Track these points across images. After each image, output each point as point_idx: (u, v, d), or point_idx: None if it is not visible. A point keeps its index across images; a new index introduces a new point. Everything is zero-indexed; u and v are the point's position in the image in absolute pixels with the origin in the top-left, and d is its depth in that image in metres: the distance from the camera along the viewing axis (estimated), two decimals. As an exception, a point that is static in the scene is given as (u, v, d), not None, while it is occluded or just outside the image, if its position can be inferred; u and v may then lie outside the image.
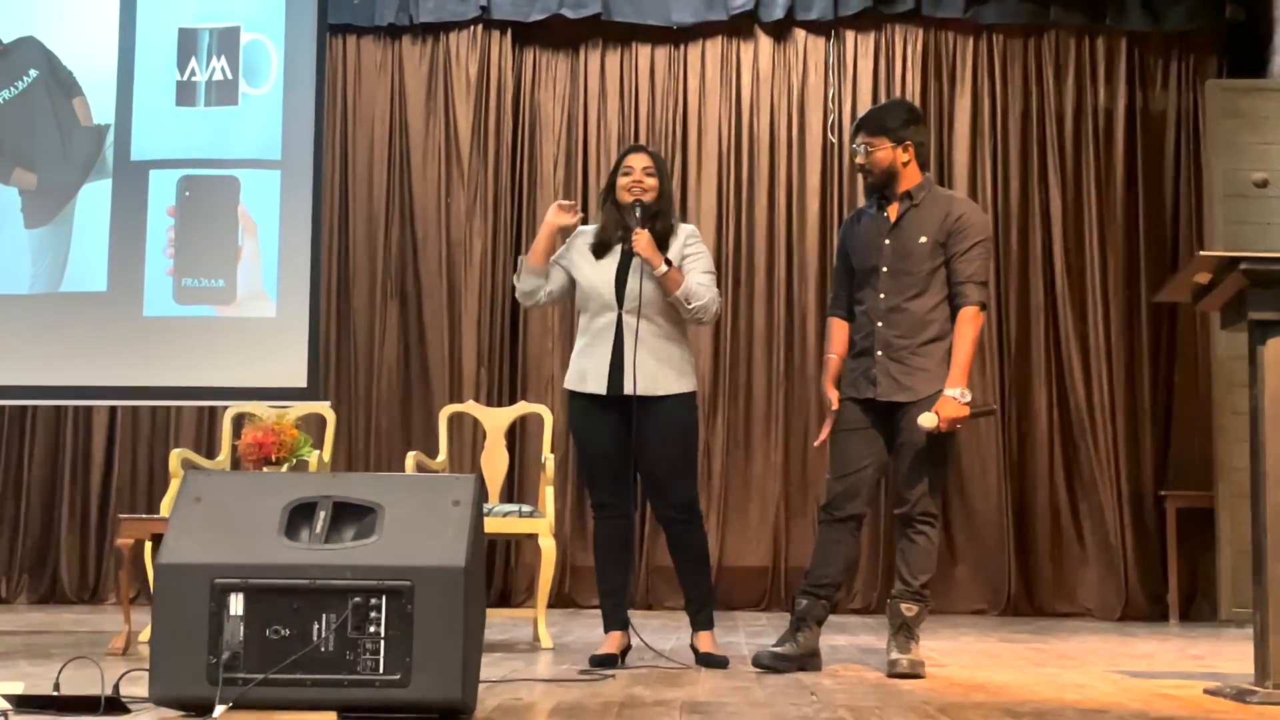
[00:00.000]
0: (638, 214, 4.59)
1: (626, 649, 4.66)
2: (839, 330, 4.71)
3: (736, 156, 8.00)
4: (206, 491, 3.35)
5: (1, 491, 7.96)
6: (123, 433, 7.89)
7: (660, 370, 4.56)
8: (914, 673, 4.34)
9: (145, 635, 5.34)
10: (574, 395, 4.68)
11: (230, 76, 6.95)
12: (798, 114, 8.01)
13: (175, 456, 5.78)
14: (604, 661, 4.53)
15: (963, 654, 5.25)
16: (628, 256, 4.61)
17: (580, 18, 7.97)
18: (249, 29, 6.99)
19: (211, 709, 3.03)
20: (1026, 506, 7.75)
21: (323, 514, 3.30)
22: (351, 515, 3.31)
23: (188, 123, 6.95)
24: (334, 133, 7.92)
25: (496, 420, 6.33)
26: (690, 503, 4.63)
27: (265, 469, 5.17)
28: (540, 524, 5.56)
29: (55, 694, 3.33)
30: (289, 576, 3.17)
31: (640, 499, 5.04)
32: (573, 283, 4.72)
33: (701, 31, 8.05)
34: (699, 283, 4.60)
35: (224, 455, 6.27)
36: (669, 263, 4.54)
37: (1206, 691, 3.97)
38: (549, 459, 5.81)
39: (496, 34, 8.07)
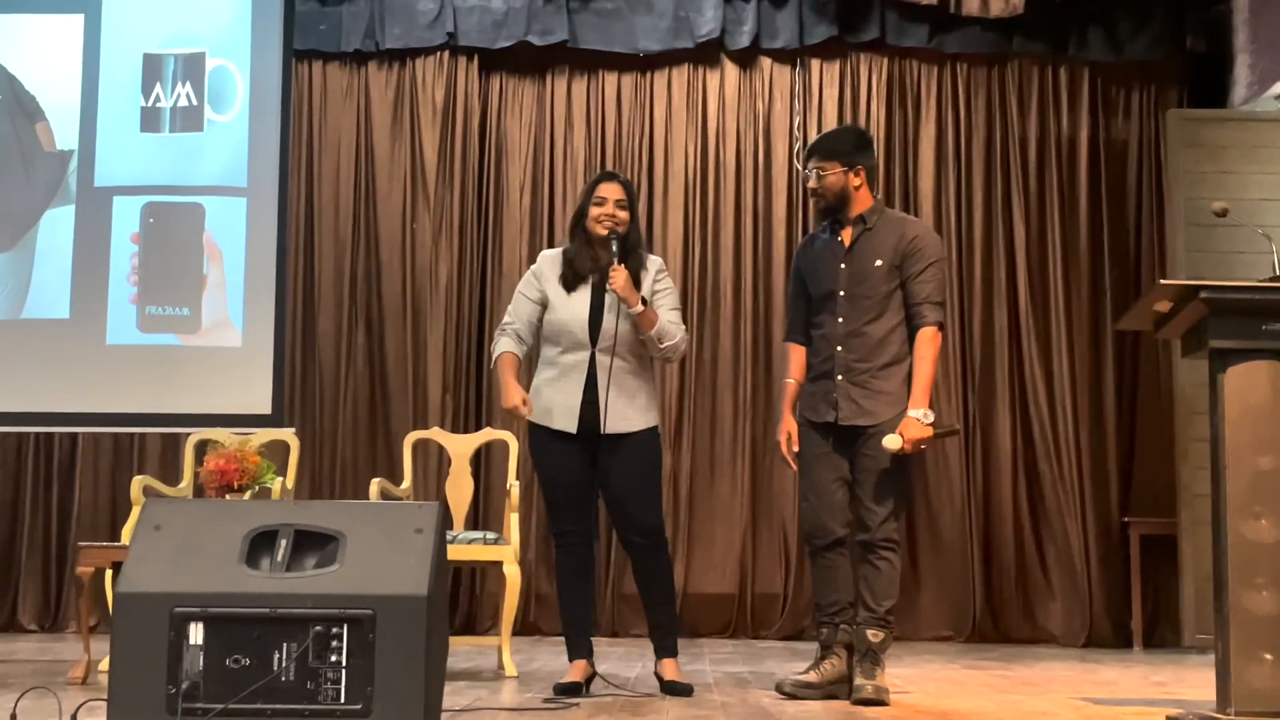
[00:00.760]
0: (614, 248, 4.55)
1: (591, 677, 4.64)
2: (796, 355, 4.76)
3: (703, 184, 8.02)
4: (166, 519, 3.33)
5: (-39, 519, 7.88)
6: (84, 460, 7.82)
7: (630, 407, 4.56)
8: (879, 699, 4.35)
9: (105, 664, 5.28)
10: (537, 427, 4.66)
11: (195, 103, 6.93)
12: (763, 141, 8.04)
13: (137, 484, 5.74)
14: (568, 690, 4.51)
15: (927, 681, 5.26)
16: (600, 292, 4.59)
17: (547, 45, 7.99)
18: (214, 55, 6.97)
19: (170, 739, 3.01)
20: (991, 533, 7.78)
21: (284, 542, 3.28)
22: (313, 543, 3.29)
23: (152, 149, 6.92)
24: (299, 159, 7.90)
25: (461, 447, 6.31)
26: (656, 528, 4.62)
27: (228, 496, 5.14)
28: (505, 551, 5.54)
29: (12, 725, 3.30)
30: (249, 605, 3.15)
31: (604, 526, 5.03)
32: (541, 318, 4.67)
33: (668, 59, 8.07)
34: (670, 320, 4.60)
35: (186, 482, 6.23)
36: (645, 301, 4.53)
37: (1169, 718, 3.98)
38: (514, 486, 5.80)
39: (463, 60, 8.07)
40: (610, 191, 4.64)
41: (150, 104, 6.92)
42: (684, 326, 4.68)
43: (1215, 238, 7.12)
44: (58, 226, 6.84)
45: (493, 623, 7.48)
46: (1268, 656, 3.79)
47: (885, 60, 8.07)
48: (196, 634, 3.13)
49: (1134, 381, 7.92)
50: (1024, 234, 7.93)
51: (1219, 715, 3.80)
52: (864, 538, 4.50)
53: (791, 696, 4.49)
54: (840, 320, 4.57)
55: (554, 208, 7.99)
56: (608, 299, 4.56)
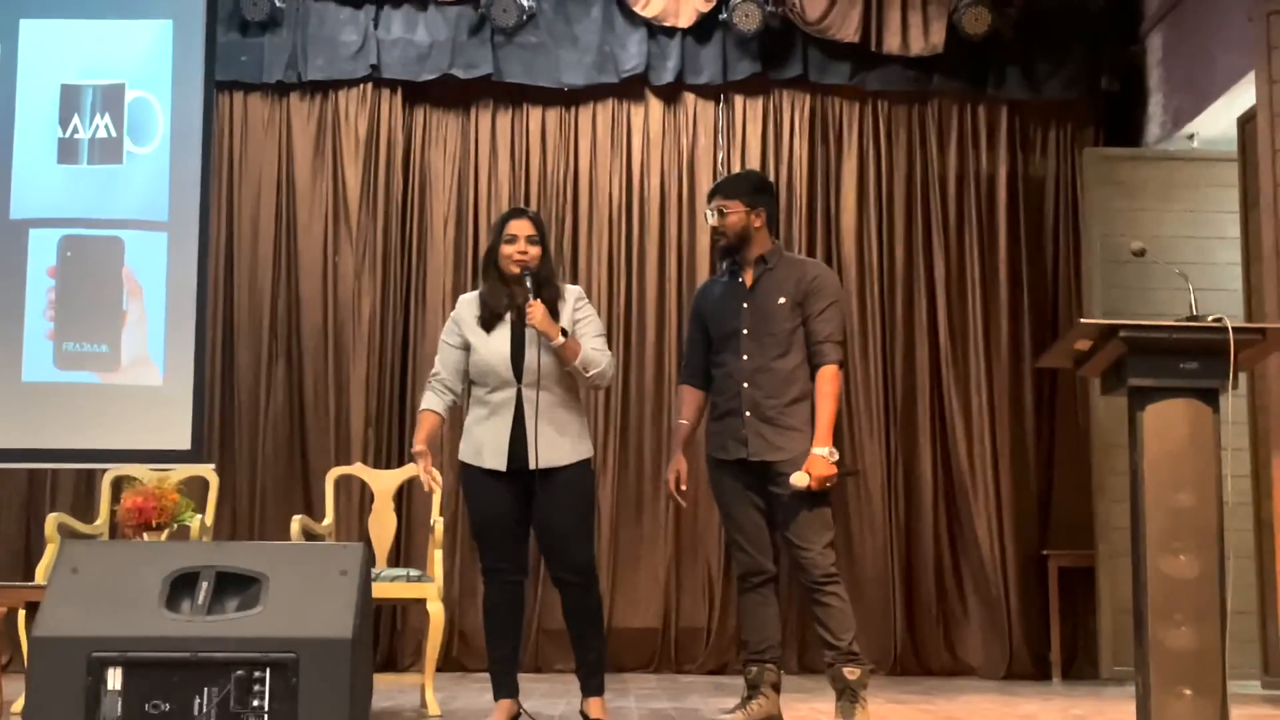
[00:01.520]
0: (529, 285, 4.55)
1: (516, 716, 4.61)
2: (691, 397, 4.83)
3: (627, 218, 8.03)
4: (84, 561, 3.27)
5: None
6: (-2, 497, 7.66)
7: (559, 440, 4.54)
8: None
9: (18, 706, 5.17)
10: (468, 466, 4.63)
11: (114, 134, 6.83)
12: (688, 176, 8.08)
13: (51, 521, 5.64)
14: (493, 730, 4.47)
15: (852, 716, 5.26)
16: (519, 328, 4.57)
17: (471, 78, 7.97)
18: (134, 86, 6.89)
19: (87, 788, 2.95)
20: (913, 567, 7.82)
21: (205, 584, 3.24)
22: (235, 585, 3.25)
23: (70, 181, 6.81)
24: (220, 191, 7.80)
25: (384, 483, 6.26)
26: (588, 565, 4.60)
27: (146, 534, 5.05)
28: (429, 588, 5.50)
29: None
30: (169, 649, 3.11)
31: (533, 561, 4.99)
32: (467, 362, 4.66)
33: (592, 94, 8.09)
34: (594, 348, 4.59)
35: (102, 520, 6.13)
36: (565, 332, 4.53)
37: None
38: (438, 522, 5.76)
39: (387, 93, 8.03)
40: (520, 228, 4.63)
41: (68, 135, 6.82)
42: (609, 352, 4.67)
43: (1131, 274, 7.25)
44: (-29, 260, 6.71)
45: (414, 660, 7.41)
46: (1187, 691, 3.84)
47: (808, 97, 8.13)
48: (115, 679, 3.08)
49: (1052, 416, 8.02)
50: (944, 269, 8.01)
51: (1140, 750, 3.83)
52: (805, 580, 4.51)
53: (719, 733, 4.49)
54: (745, 358, 4.62)
55: (478, 240, 7.95)
56: (528, 334, 4.54)
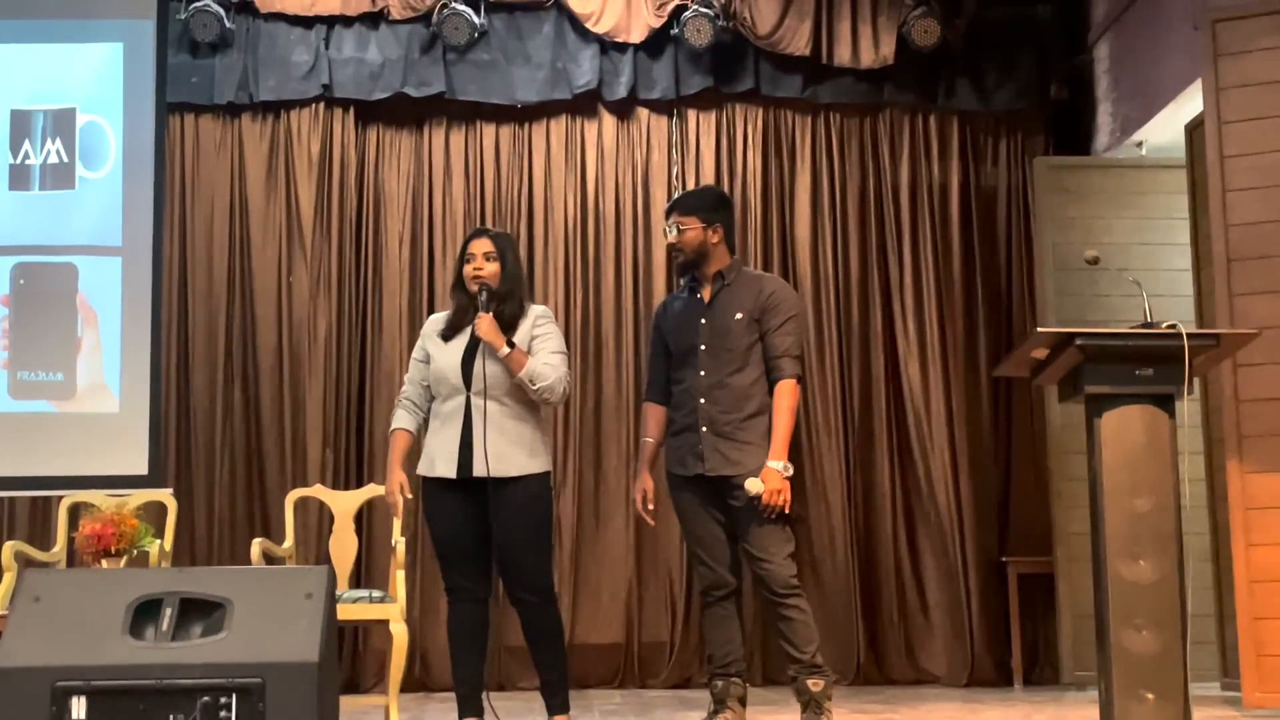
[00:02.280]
0: (483, 298, 4.59)
1: (482, 736, 4.60)
2: (654, 414, 4.84)
3: (583, 233, 8.04)
4: (46, 590, 3.24)
5: None
6: (-49, 524, 7.57)
7: (511, 450, 4.54)
8: None
9: (-23, 738, 5.12)
10: (425, 480, 4.64)
11: (66, 159, 6.78)
12: (643, 191, 8.09)
13: (8, 549, 5.58)
14: (459, 750, 4.46)
15: (817, 727, 5.27)
16: (475, 339, 4.60)
17: (424, 96, 7.97)
18: (85, 110, 6.84)
19: (53, 820, 2.92)
20: (873, 576, 7.85)
21: (169, 610, 3.21)
22: (199, 611, 3.23)
23: (21, 207, 6.75)
24: (173, 213, 7.74)
25: (344, 504, 6.24)
26: (545, 585, 4.60)
27: (105, 561, 5.02)
28: (392, 609, 5.48)
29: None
30: (134, 677, 3.08)
31: (492, 581, 4.98)
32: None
33: (546, 110, 8.09)
34: (545, 363, 4.59)
35: (60, 547, 6.07)
36: (512, 345, 4.55)
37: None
38: (399, 542, 5.74)
39: (339, 112, 8.01)
40: (478, 247, 4.70)
41: (19, 161, 6.76)
42: (563, 369, 4.67)
43: (1083, 281, 7.32)
44: (-77, 288, 6.63)
45: (377, 680, 7.38)
46: (1149, 695, 3.88)
47: (760, 110, 8.17)
48: (79, 708, 3.05)
49: (1008, 423, 8.07)
50: (899, 280, 8.06)
51: (1104, 754, 3.87)
52: (766, 593, 4.52)
53: (685, 751, 4.50)
54: (702, 374, 4.63)
55: (434, 259, 7.95)
56: (481, 344, 4.57)
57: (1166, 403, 4.06)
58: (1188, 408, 4.24)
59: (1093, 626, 4.23)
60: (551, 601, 4.62)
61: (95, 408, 6.61)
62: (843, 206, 8.14)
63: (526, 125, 8.12)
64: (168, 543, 5.99)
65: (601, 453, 7.86)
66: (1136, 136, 7.56)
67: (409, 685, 7.23)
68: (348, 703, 6.33)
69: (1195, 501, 6.39)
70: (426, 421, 4.72)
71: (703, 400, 4.61)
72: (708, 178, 8.00)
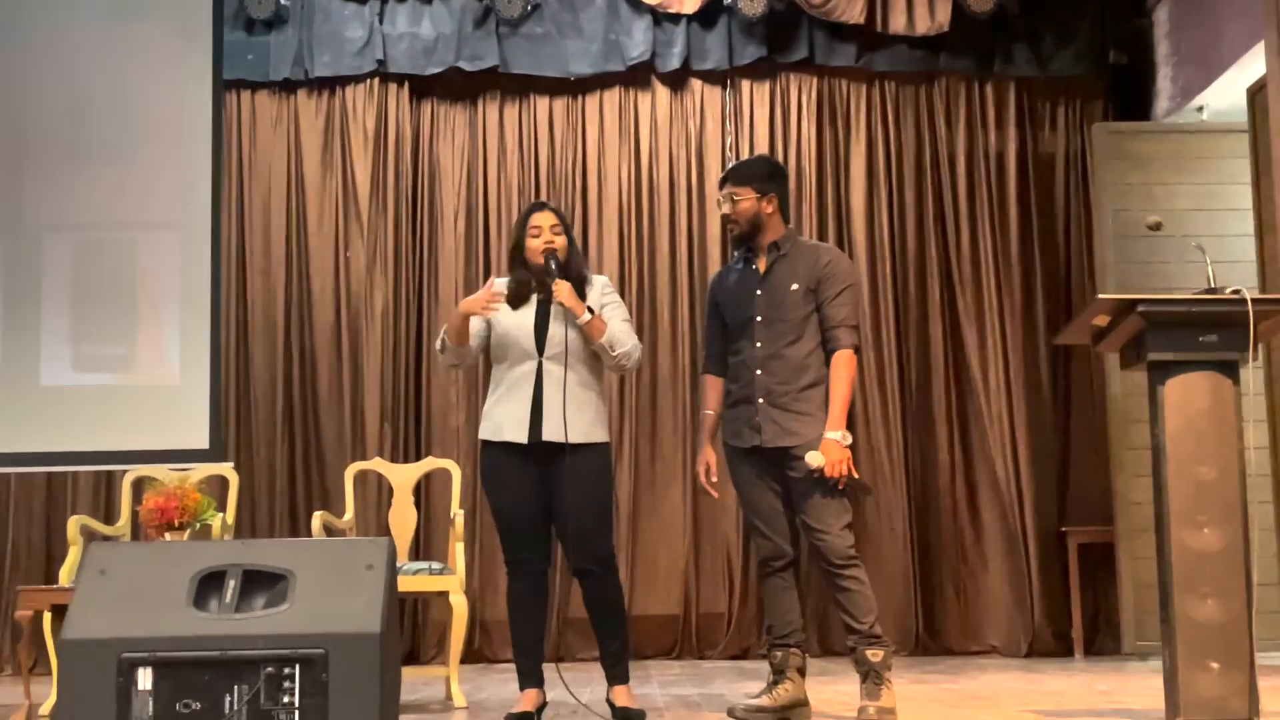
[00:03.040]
0: (553, 266, 4.57)
1: (542, 706, 4.62)
2: (714, 386, 4.80)
3: (637, 205, 8.03)
4: (111, 563, 3.28)
5: (-110, 563, 7.71)
6: (16, 501, 7.67)
7: (579, 417, 4.53)
8: None
9: (46, 708, 5.21)
10: (488, 446, 4.62)
11: (126, 136, 6.82)
12: (696, 162, 8.07)
13: (74, 523, 5.65)
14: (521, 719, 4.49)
15: (877, 698, 5.26)
16: (545, 305, 4.59)
17: (477, 70, 7.97)
18: (144, 88, 6.88)
19: (122, 788, 2.96)
20: (932, 547, 7.83)
21: (232, 583, 3.24)
22: (262, 583, 3.25)
23: (84, 184, 6.80)
24: (230, 190, 7.81)
25: (403, 477, 6.27)
26: (607, 555, 4.60)
27: (168, 534, 5.07)
28: (451, 581, 5.51)
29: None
30: (198, 648, 3.11)
31: (552, 552, 5.00)
32: (488, 336, 4.68)
33: (599, 83, 8.08)
34: (621, 329, 4.60)
35: (124, 521, 6.15)
36: (591, 310, 4.54)
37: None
38: (459, 514, 5.77)
39: (394, 87, 8.03)
40: (543, 220, 4.66)
41: (80, 138, 6.81)
42: (636, 338, 4.67)
43: (1143, 248, 7.24)
44: (-14, 265, 6.71)
45: (437, 652, 7.43)
46: (1214, 665, 3.84)
47: (814, 80, 8.12)
48: (145, 679, 3.09)
49: (1068, 392, 8.01)
50: (955, 249, 8.00)
51: (1168, 724, 3.84)
52: (824, 564, 4.51)
53: (743, 720, 4.49)
54: (758, 345, 4.60)
55: (489, 233, 7.97)
56: (554, 310, 4.56)
57: (1231, 369, 4.01)
58: (1252, 375, 4.19)
59: (1154, 596, 4.19)
60: (613, 571, 4.62)
61: (156, 379, 6.67)
62: (898, 176, 8.09)
63: (580, 98, 8.11)
64: (230, 516, 6.05)
65: (657, 425, 7.86)
66: (1197, 101, 7.46)
67: (469, 656, 7.28)
68: (408, 674, 6.39)
69: (1259, 469, 6.32)
70: (471, 358, 4.70)
71: (759, 372, 4.58)
72: (762, 148, 7.96)
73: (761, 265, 4.68)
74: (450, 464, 6.23)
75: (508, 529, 4.62)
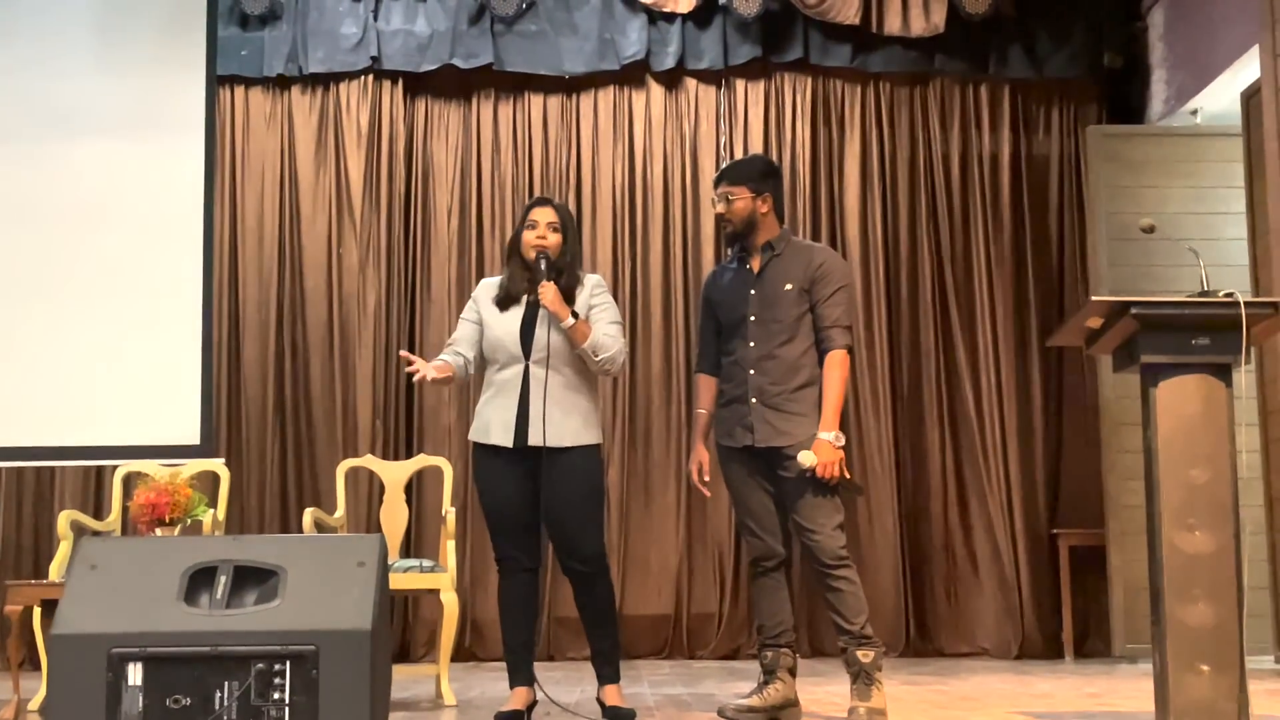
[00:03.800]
0: (543, 267, 4.57)
1: (533, 704, 4.61)
2: (707, 386, 4.80)
3: (631, 204, 8.03)
4: (102, 558, 3.27)
5: (-122, 557, 7.69)
6: (6, 496, 7.65)
7: (567, 421, 4.53)
8: None
9: (35, 703, 5.19)
10: (478, 447, 4.63)
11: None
12: (690, 162, 8.07)
13: (64, 518, 5.64)
14: (510, 718, 4.47)
15: (867, 698, 5.26)
16: (533, 308, 4.59)
17: (472, 68, 7.97)
18: (135, 82, 6.86)
19: (111, 784, 2.95)
20: (923, 548, 7.83)
21: (223, 578, 3.23)
22: (253, 579, 3.25)
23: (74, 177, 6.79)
24: (223, 185, 7.80)
25: (395, 474, 6.26)
26: (597, 555, 4.60)
27: (159, 530, 5.06)
28: (442, 579, 5.50)
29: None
30: (189, 644, 3.10)
31: (542, 551, 4.99)
32: (480, 339, 4.68)
33: (593, 81, 8.08)
34: (606, 334, 4.59)
35: (114, 516, 6.13)
36: (575, 315, 4.54)
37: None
38: (450, 512, 5.76)
39: (388, 84, 8.03)
40: (541, 215, 4.66)
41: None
42: (622, 340, 4.67)
43: (1136, 251, 7.24)
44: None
45: (427, 650, 7.42)
46: (1205, 668, 3.84)
47: (809, 80, 8.13)
48: (135, 674, 3.08)
49: (1059, 394, 8.02)
50: (949, 250, 8.01)
51: (1159, 727, 3.84)
52: (815, 564, 4.50)
53: (733, 720, 4.49)
54: (752, 345, 4.60)
55: (482, 231, 7.97)
56: (540, 314, 4.56)
57: (1223, 372, 4.01)
58: (1244, 378, 4.19)
59: (1144, 599, 4.20)
60: (604, 571, 4.62)
61: (147, 376, 6.64)
62: (892, 177, 8.09)
63: (574, 96, 8.11)
64: (221, 512, 6.04)
65: (650, 424, 7.86)
66: (1191, 104, 7.47)
67: (459, 654, 7.27)
68: (398, 671, 6.38)
69: (1250, 473, 6.33)
70: (467, 367, 4.68)
71: (752, 372, 4.58)
72: (756, 148, 7.97)
73: (755, 265, 4.68)
74: (442, 461, 6.23)
75: (498, 528, 4.62)
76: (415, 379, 4.51)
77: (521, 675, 4.61)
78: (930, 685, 5.87)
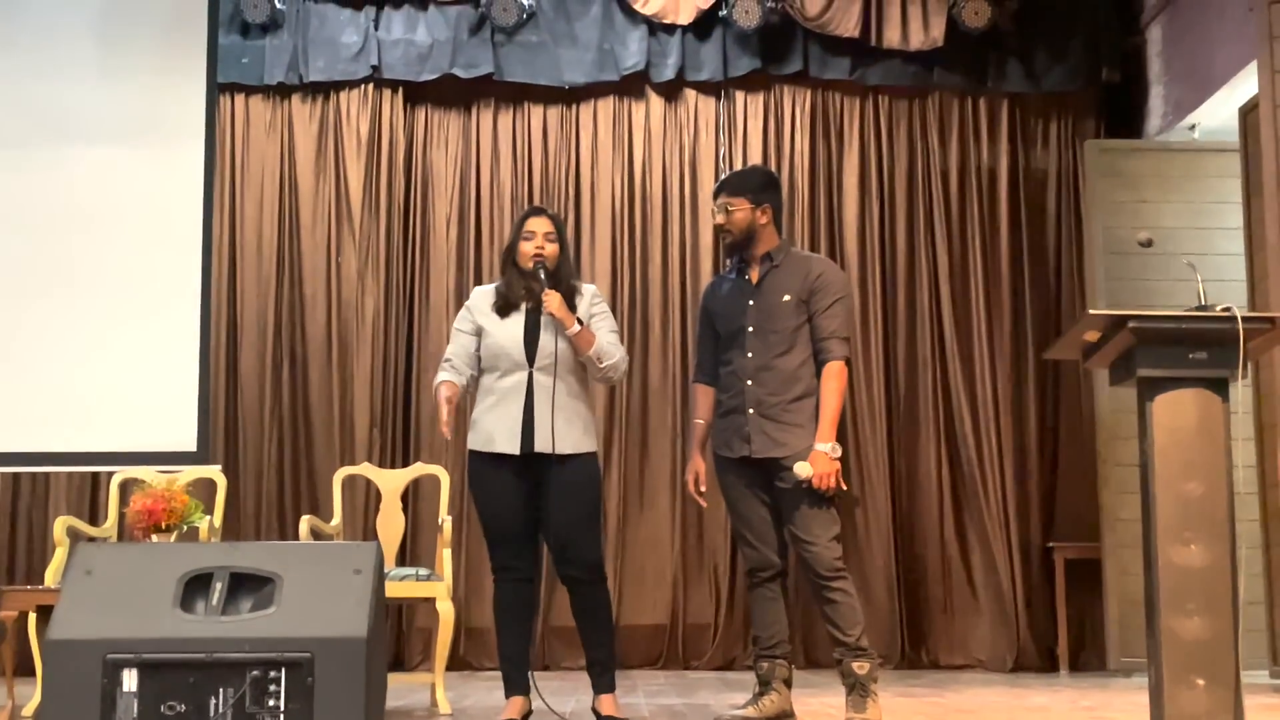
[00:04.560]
0: (543, 276, 4.58)
1: (528, 714, 4.61)
2: (704, 396, 4.81)
3: (630, 215, 8.04)
4: (98, 563, 3.28)
5: (-126, 562, 7.68)
6: (2, 502, 7.64)
7: (570, 428, 4.54)
8: None
9: (29, 709, 5.18)
10: (476, 456, 4.63)
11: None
12: (689, 173, 8.08)
13: (60, 524, 5.64)
14: (506, 728, 4.48)
15: (862, 710, 5.26)
16: (534, 315, 4.59)
17: (472, 77, 7.98)
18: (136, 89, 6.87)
19: (105, 790, 2.95)
20: (918, 560, 7.83)
21: (219, 585, 3.24)
22: (249, 586, 3.25)
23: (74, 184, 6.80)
24: (222, 193, 7.81)
25: (392, 482, 6.27)
26: (596, 562, 4.60)
27: (155, 536, 5.06)
28: (438, 587, 5.50)
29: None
30: (184, 650, 3.11)
31: (539, 560, 4.99)
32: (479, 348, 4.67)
33: (593, 91, 8.09)
34: (609, 341, 4.60)
35: (111, 522, 6.13)
36: (580, 322, 4.55)
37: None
38: (446, 521, 5.76)
39: (388, 93, 8.04)
40: (538, 225, 4.67)
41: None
42: (623, 349, 4.69)
43: (1134, 265, 7.26)
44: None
45: (423, 658, 7.42)
46: (1200, 682, 3.84)
47: (808, 92, 8.14)
48: (130, 681, 3.09)
49: (1055, 408, 8.03)
50: (946, 263, 8.01)
51: (1153, 740, 3.83)
52: (811, 576, 4.51)
53: (729, 730, 4.49)
54: (749, 355, 4.61)
55: (480, 240, 7.97)
56: (543, 320, 4.57)
57: (1220, 386, 4.01)
58: (1241, 393, 4.20)
59: (1140, 613, 4.19)
60: (601, 580, 4.62)
61: (144, 382, 6.64)
62: (890, 189, 8.10)
63: (574, 107, 8.12)
64: (217, 519, 6.04)
65: (647, 434, 7.86)
66: (1189, 119, 7.49)
67: (454, 663, 7.26)
68: (393, 680, 6.38)
69: (1246, 487, 6.33)
70: (469, 383, 4.68)
71: (750, 382, 4.59)
72: (755, 160, 7.97)
73: (754, 276, 4.69)
74: (439, 470, 6.23)
75: (495, 537, 4.62)
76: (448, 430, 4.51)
77: (517, 685, 4.61)
78: (925, 698, 5.87)
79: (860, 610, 4.53)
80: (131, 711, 3.07)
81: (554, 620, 7.47)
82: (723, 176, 4.94)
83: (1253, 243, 6.78)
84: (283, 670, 3.08)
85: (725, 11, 7.91)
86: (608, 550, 7.57)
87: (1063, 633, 7.60)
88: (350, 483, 6.70)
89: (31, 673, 5.70)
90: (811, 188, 8.05)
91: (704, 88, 8.14)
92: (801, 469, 4.42)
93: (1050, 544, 7.75)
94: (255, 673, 3.08)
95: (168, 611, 3.17)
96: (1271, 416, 6.54)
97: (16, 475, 7.58)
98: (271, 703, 3.08)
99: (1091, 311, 4.17)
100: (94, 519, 7.12)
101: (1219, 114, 7.26)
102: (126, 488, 5.96)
